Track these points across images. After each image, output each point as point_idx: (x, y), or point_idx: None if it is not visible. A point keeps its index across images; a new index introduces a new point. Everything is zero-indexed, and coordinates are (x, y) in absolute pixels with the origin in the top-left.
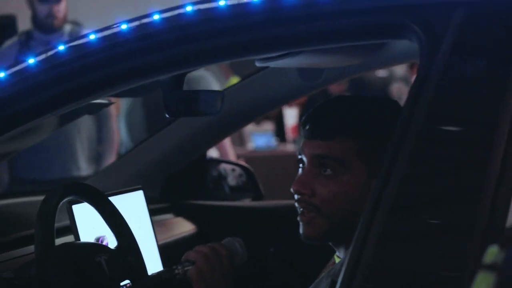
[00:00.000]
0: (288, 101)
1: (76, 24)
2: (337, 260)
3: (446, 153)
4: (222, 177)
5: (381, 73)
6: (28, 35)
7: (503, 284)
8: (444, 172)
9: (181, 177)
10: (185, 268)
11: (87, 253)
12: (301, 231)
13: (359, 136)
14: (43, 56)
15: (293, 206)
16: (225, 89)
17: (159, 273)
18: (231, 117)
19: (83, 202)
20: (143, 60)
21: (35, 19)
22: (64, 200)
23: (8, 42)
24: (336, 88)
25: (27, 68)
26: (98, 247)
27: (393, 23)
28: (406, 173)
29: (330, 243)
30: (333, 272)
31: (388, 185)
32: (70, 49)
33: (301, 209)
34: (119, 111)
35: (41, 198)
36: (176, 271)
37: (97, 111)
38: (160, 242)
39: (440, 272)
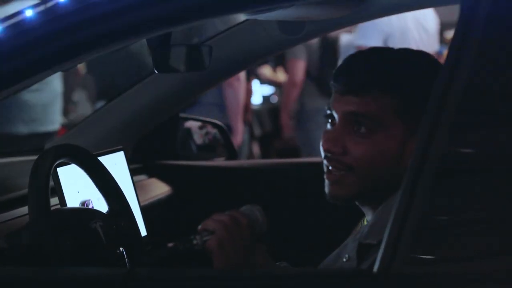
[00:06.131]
0: (268, 55)
1: None
2: (365, 222)
3: (495, 101)
4: (189, 136)
5: None
6: None
7: None
8: (492, 121)
9: (153, 136)
10: (204, 238)
11: (81, 218)
12: (326, 190)
13: (396, 92)
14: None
15: (271, 165)
16: (201, 43)
17: (176, 244)
18: (208, 72)
19: (68, 164)
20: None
21: None
22: (57, 162)
23: None
24: None
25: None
26: (91, 212)
27: None
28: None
29: (357, 203)
30: (359, 235)
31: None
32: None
33: (330, 168)
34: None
35: (24, 158)
36: (194, 242)
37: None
38: None
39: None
